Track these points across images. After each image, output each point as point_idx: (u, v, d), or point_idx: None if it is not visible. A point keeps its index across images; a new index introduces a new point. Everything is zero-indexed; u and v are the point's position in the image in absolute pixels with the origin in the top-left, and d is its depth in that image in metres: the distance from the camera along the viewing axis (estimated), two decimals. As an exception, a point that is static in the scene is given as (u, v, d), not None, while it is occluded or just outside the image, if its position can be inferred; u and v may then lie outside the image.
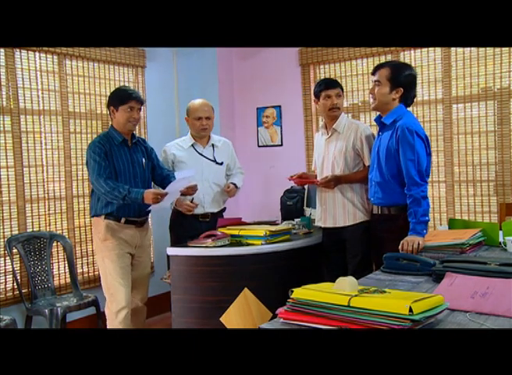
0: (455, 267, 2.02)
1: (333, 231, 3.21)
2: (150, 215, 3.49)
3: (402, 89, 2.80)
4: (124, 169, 3.20)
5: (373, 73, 2.89)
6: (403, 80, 2.80)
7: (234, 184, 3.70)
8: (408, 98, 2.85)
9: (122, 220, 3.21)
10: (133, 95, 3.21)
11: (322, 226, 3.27)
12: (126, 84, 4.65)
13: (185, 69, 5.07)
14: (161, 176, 3.45)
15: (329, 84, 3.26)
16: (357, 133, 3.15)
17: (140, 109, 3.26)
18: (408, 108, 2.92)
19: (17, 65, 3.86)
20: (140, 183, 3.26)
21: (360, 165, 3.18)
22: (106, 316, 3.26)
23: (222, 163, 3.69)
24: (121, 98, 3.20)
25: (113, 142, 3.20)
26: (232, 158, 3.82)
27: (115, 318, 3.18)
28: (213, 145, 3.71)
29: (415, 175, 2.68)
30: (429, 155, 2.82)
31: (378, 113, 2.95)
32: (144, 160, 3.32)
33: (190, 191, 3.34)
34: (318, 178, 3.26)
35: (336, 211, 3.17)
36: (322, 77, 4.88)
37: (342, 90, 3.29)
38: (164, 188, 3.39)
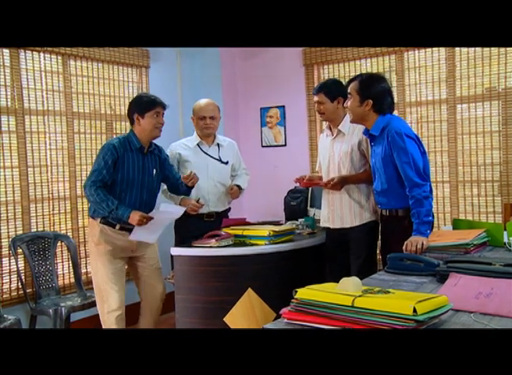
0: (459, 267, 2.02)
1: (339, 232, 3.20)
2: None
3: (371, 101, 2.81)
4: (133, 176, 3.15)
5: (346, 87, 2.95)
6: (371, 92, 2.81)
7: (238, 186, 3.71)
8: (383, 107, 2.84)
9: (117, 227, 3.16)
10: (157, 101, 3.20)
11: (331, 227, 3.24)
12: (130, 85, 4.67)
13: (188, 69, 5.07)
14: (176, 184, 3.44)
15: (314, 89, 3.27)
16: (362, 133, 3.14)
17: (163, 114, 3.24)
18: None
19: (21, 65, 3.87)
20: (146, 194, 3.23)
21: (366, 165, 3.17)
22: (100, 315, 3.23)
23: (227, 162, 3.70)
24: (146, 104, 3.17)
25: (129, 147, 3.15)
26: (237, 159, 3.83)
27: (107, 319, 3.16)
28: (218, 145, 3.72)
29: (414, 176, 2.69)
30: (424, 153, 2.83)
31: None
32: (154, 171, 3.28)
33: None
34: (324, 179, 3.25)
35: (343, 212, 3.16)
36: (326, 77, 4.88)
37: (329, 93, 3.17)
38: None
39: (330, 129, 3.28)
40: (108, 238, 3.16)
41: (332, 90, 3.17)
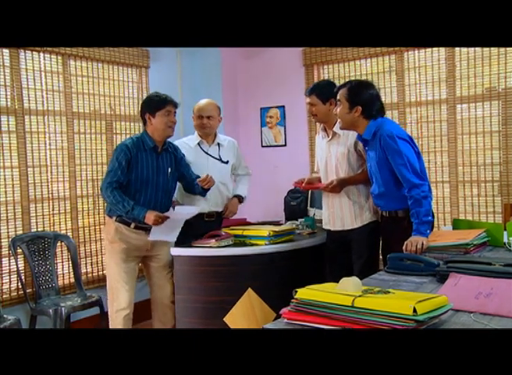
0: (459, 268, 2.02)
1: (340, 233, 3.19)
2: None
3: (360, 107, 2.81)
4: (147, 176, 3.17)
5: (335, 93, 2.95)
6: (360, 98, 2.82)
7: (239, 197, 3.74)
8: (372, 113, 2.84)
9: (132, 225, 3.18)
10: (168, 99, 3.20)
11: (332, 229, 3.23)
12: (130, 85, 4.67)
13: (189, 69, 5.07)
14: (191, 184, 3.43)
15: (306, 91, 3.26)
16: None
17: (175, 113, 3.24)
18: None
19: (21, 65, 3.87)
20: (161, 193, 3.24)
21: (364, 165, 3.16)
22: (108, 315, 3.26)
23: (227, 162, 3.71)
24: (157, 103, 3.18)
25: (143, 147, 3.17)
26: (238, 158, 3.84)
27: (115, 318, 3.19)
28: (219, 144, 3.73)
29: (412, 177, 2.69)
30: (418, 153, 2.83)
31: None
32: (169, 169, 3.29)
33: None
34: (323, 181, 3.25)
35: (344, 213, 3.14)
36: (326, 77, 4.88)
37: (321, 95, 3.16)
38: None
39: (325, 131, 3.28)
40: (122, 237, 3.18)
41: (325, 91, 3.16)
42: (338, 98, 2.89)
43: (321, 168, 3.31)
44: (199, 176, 3.44)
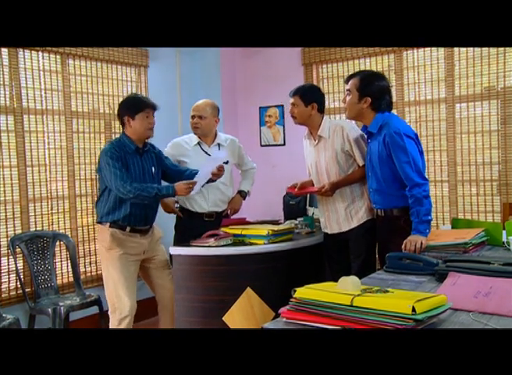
0: (458, 267, 2.02)
1: (337, 234, 3.19)
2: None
3: (369, 98, 2.81)
4: (135, 178, 3.16)
5: (346, 82, 2.94)
6: (371, 89, 2.81)
7: (242, 192, 3.80)
8: (381, 106, 2.84)
9: (127, 229, 3.17)
10: (148, 102, 3.22)
11: (329, 232, 3.23)
12: (129, 84, 4.67)
13: (188, 68, 5.07)
14: (179, 172, 3.40)
15: (290, 92, 3.25)
16: (343, 135, 3.10)
17: (153, 115, 3.25)
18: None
19: (20, 64, 3.86)
20: None
21: (354, 165, 3.14)
22: (110, 322, 3.21)
23: (227, 162, 3.70)
24: (136, 106, 3.17)
25: (126, 150, 3.16)
26: (240, 156, 3.85)
27: (118, 325, 3.15)
28: (219, 144, 3.72)
29: (415, 176, 2.68)
30: (421, 152, 2.82)
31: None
32: (153, 169, 3.29)
33: (221, 171, 3.32)
34: (315, 185, 3.24)
35: (339, 217, 3.13)
36: (325, 77, 4.88)
37: (304, 97, 3.16)
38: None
39: (311, 135, 3.27)
40: (119, 242, 3.16)
41: (308, 94, 3.17)
42: (348, 87, 2.87)
43: (312, 172, 3.30)
44: (187, 168, 3.45)
